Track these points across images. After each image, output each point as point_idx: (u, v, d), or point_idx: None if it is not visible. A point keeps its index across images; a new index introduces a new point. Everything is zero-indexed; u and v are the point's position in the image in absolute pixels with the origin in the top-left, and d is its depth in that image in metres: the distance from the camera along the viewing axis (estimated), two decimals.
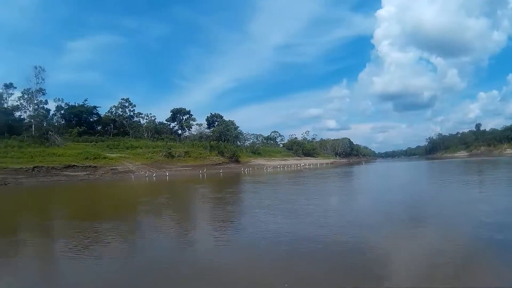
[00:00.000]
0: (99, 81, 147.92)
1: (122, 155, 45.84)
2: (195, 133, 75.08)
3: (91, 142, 50.28)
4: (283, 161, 72.28)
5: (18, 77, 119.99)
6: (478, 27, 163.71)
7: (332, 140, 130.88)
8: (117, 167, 40.98)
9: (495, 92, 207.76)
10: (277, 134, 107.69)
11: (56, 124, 59.86)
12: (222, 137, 72.65)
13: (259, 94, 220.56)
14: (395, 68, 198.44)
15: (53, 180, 33.95)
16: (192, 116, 71.01)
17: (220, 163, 52.77)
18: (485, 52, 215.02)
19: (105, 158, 42.76)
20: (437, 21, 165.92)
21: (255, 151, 71.64)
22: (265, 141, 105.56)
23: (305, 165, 63.82)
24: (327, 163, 76.02)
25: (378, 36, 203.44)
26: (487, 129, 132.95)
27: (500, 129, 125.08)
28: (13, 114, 51.56)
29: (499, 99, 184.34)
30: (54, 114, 63.20)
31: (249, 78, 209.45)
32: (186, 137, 70.17)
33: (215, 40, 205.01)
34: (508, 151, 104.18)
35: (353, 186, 20.31)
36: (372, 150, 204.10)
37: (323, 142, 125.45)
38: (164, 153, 47.31)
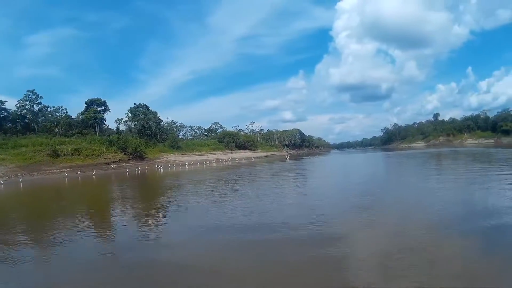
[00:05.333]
0: (60, 76, 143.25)
1: (0, 156, 44.33)
2: (124, 128, 73.87)
3: None
4: (205, 156, 71.43)
5: None
6: (439, 21, 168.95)
7: (280, 131, 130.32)
8: None
9: (453, 84, 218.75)
10: (218, 126, 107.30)
11: None
12: (144, 130, 71.79)
13: (218, 86, 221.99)
14: (352, 59, 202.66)
15: None
16: (108, 107, 69.19)
17: (117, 161, 51.98)
18: (445, 46, 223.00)
19: None
20: (398, 13, 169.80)
21: (175, 145, 70.98)
22: (205, 133, 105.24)
23: (219, 160, 61.85)
24: (257, 157, 74.33)
25: (337, 28, 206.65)
26: (446, 120, 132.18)
27: (459, 119, 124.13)
28: None
29: (457, 91, 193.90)
30: None
31: (209, 71, 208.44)
32: (103, 130, 68.46)
33: (175, 33, 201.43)
34: (469, 141, 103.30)
35: None
36: (327, 141, 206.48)
37: (269, 134, 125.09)
38: (47, 152, 45.92)
